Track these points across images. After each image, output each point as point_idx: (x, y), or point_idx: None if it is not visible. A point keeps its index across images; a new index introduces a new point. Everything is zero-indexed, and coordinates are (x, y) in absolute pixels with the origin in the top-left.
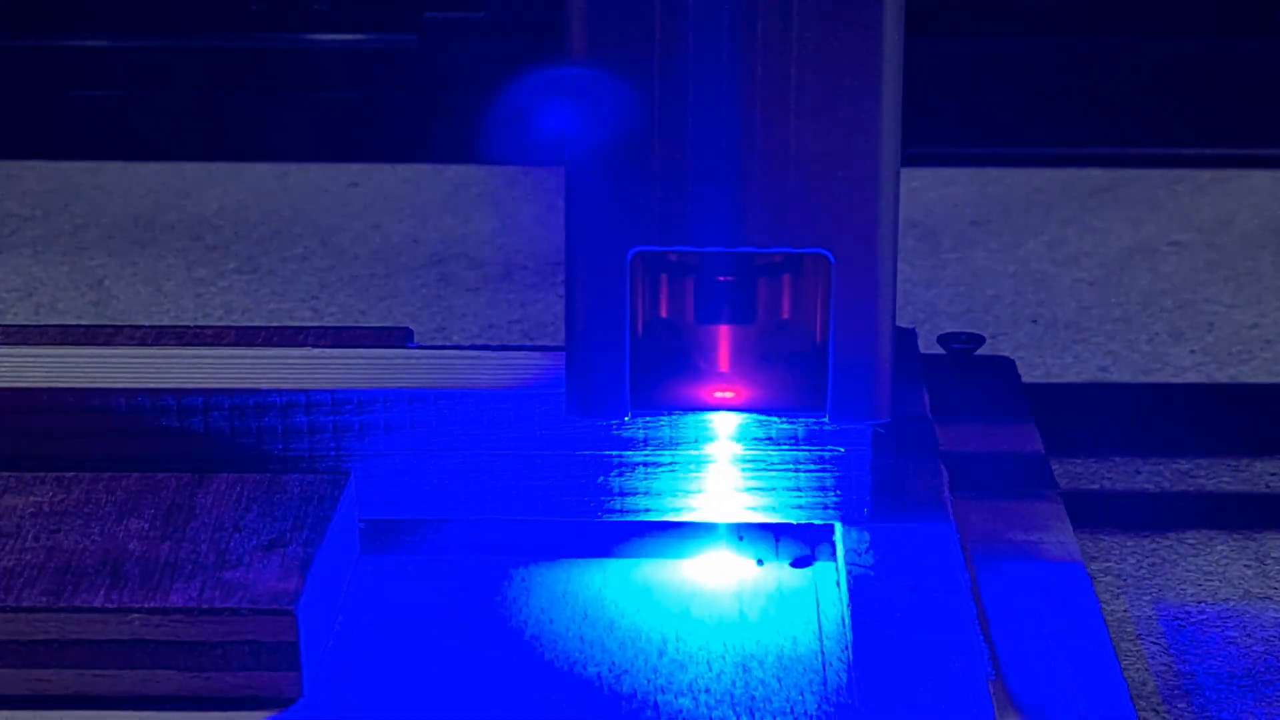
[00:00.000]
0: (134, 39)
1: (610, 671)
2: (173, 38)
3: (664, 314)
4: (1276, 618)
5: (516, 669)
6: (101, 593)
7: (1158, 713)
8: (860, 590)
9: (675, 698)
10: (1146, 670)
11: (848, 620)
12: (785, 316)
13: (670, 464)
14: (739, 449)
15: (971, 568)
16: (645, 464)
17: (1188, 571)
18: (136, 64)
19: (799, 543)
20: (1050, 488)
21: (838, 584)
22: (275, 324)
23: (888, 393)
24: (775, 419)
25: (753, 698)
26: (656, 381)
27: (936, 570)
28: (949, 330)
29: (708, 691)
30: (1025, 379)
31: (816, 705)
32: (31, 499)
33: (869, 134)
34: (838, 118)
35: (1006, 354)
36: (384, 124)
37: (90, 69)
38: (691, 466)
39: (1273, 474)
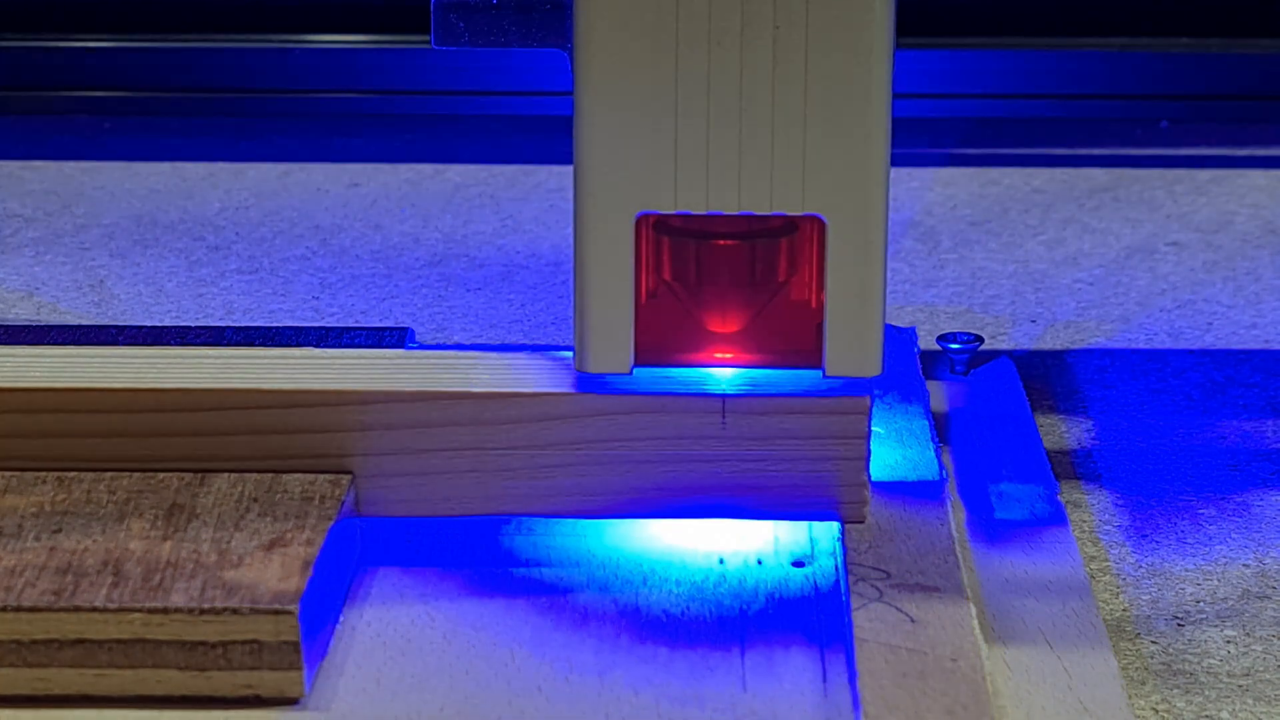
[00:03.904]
0: (134, 39)
1: (609, 671)
2: (173, 38)
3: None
4: (1276, 617)
5: (514, 667)
6: (102, 592)
7: (1156, 711)
8: (859, 588)
9: (675, 697)
10: (1146, 670)
11: (847, 619)
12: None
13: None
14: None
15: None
16: (647, 461)
17: (1187, 571)
18: (136, 63)
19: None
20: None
21: (837, 583)
22: (276, 324)
23: (880, 349)
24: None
25: (753, 697)
26: (659, 338)
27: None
28: (948, 330)
29: (706, 690)
30: (1024, 379)
31: (815, 704)
32: (32, 498)
33: (861, 101)
34: (832, 86)
35: (1005, 354)
36: (384, 124)
37: (90, 69)
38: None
39: (1272, 473)
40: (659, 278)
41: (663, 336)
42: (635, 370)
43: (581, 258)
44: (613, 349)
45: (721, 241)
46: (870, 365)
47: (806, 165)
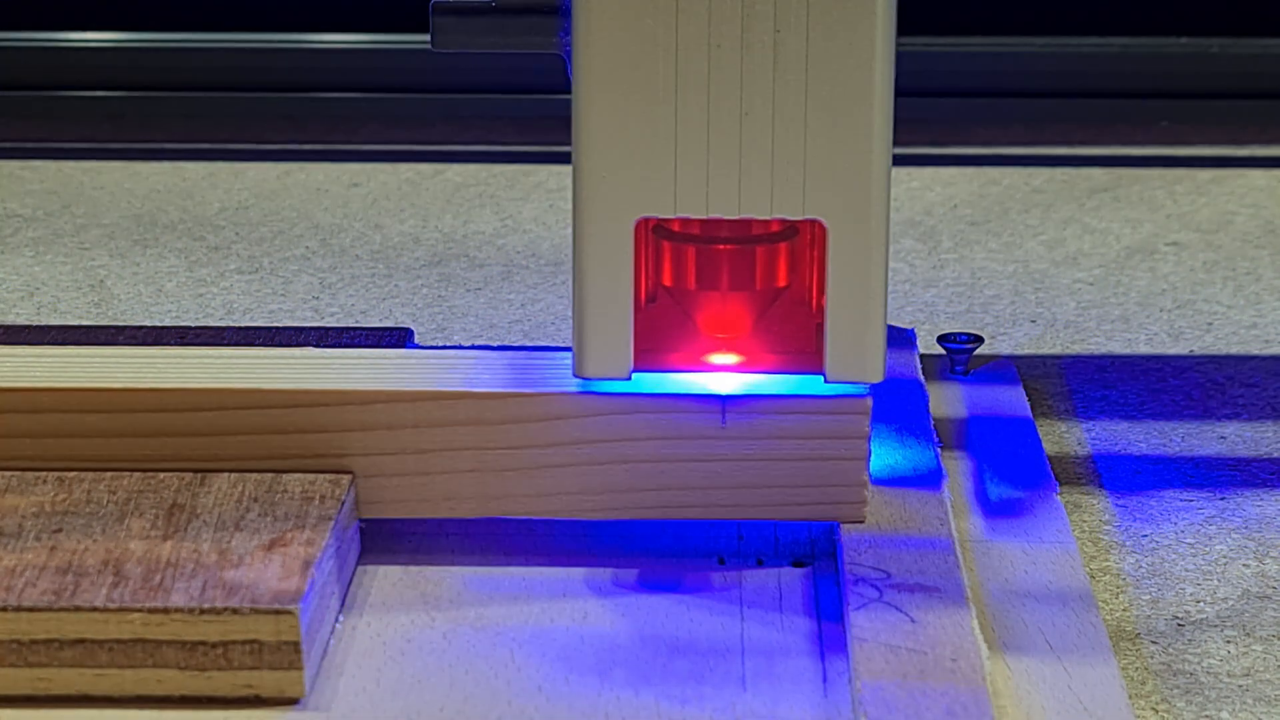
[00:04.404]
0: (134, 38)
1: (609, 671)
2: (173, 37)
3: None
4: (1276, 617)
5: (514, 667)
6: (103, 592)
7: (1156, 712)
8: (857, 589)
9: (675, 697)
10: (1146, 670)
11: (846, 618)
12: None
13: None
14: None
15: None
16: (647, 461)
17: (1187, 571)
18: (136, 63)
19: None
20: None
21: (837, 583)
22: (276, 324)
23: (881, 354)
24: None
25: (753, 697)
26: (658, 343)
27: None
28: (948, 330)
29: (706, 690)
30: (1024, 379)
31: (815, 704)
32: (33, 498)
33: (862, 105)
34: (832, 89)
35: (1005, 354)
36: (385, 124)
37: (90, 68)
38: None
39: (1272, 473)
40: (658, 282)
41: (662, 341)
42: (634, 375)
43: (580, 262)
44: (611, 354)
45: (721, 246)
46: (872, 371)
47: (807, 169)
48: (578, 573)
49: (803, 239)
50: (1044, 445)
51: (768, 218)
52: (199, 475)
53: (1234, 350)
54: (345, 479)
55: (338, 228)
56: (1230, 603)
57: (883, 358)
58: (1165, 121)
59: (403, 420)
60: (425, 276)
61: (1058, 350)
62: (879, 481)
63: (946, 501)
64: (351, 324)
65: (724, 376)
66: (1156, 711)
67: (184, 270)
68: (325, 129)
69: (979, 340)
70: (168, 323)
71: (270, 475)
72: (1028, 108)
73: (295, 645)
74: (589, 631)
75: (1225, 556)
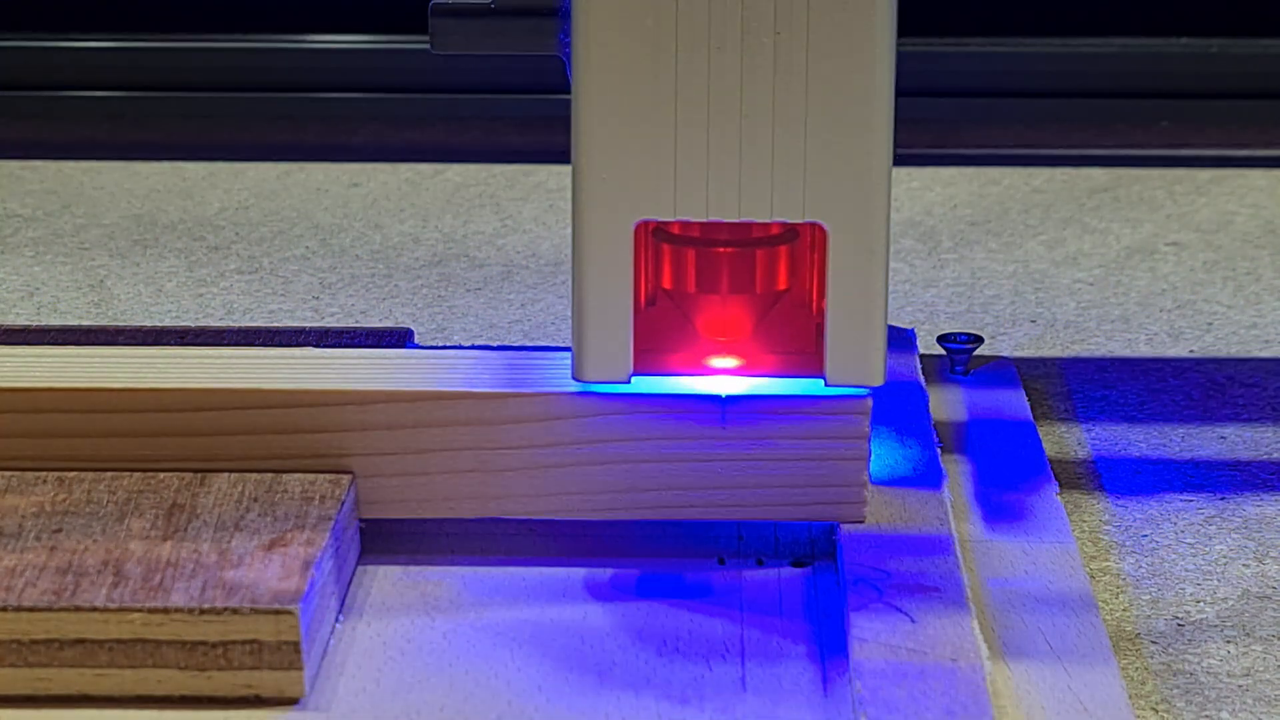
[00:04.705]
0: (134, 39)
1: (609, 671)
2: (173, 37)
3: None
4: (1276, 617)
5: (514, 667)
6: (103, 592)
7: (1156, 712)
8: (858, 590)
9: (675, 697)
10: (1146, 670)
11: (846, 618)
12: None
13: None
14: None
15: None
16: (647, 461)
17: (1187, 571)
18: (136, 63)
19: None
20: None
21: (837, 583)
22: (276, 324)
23: (882, 358)
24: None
25: (753, 698)
26: (657, 346)
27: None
28: (948, 330)
29: (706, 690)
30: (1024, 379)
31: (815, 705)
32: (33, 498)
33: (863, 107)
34: (833, 92)
35: (1005, 354)
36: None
37: (90, 69)
38: (691, 465)
39: (1272, 473)
40: (658, 285)
41: (662, 344)
42: (634, 379)
43: (580, 265)
44: (611, 357)
45: (721, 249)
46: (873, 374)
47: (807, 172)
48: (578, 573)
49: (803, 242)
50: (1044, 446)
51: (768, 221)
52: (199, 475)
53: (1234, 350)
54: (345, 479)
55: (338, 228)
56: (1230, 603)
57: (883, 361)
58: (1165, 121)
59: (402, 420)
60: (425, 276)
61: (1058, 351)
62: (879, 481)
63: (946, 501)
64: (351, 324)
65: (724, 379)
66: (1156, 712)
67: (184, 270)
68: (325, 129)
69: (979, 340)
70: (168, 323)
71: (270, 475)
72: (1028, 108)
73: (295, 645)
74: (589, 631)
75: (1225, 557)
